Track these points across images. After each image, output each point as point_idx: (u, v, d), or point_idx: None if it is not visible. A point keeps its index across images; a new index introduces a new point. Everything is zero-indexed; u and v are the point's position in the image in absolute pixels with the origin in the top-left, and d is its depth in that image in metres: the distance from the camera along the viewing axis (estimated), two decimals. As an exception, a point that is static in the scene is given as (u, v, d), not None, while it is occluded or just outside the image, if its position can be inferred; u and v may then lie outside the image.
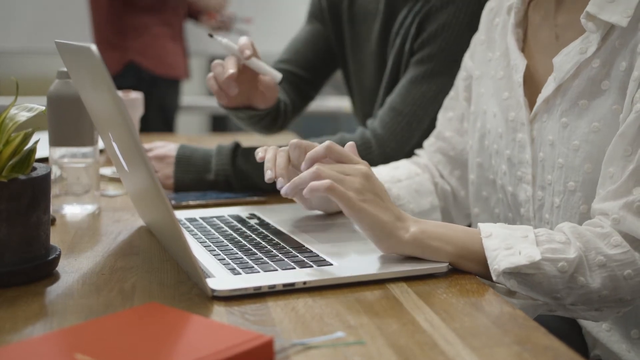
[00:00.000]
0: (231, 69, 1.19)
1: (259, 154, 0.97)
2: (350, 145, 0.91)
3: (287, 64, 1.54)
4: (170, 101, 2.94)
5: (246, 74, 1.25)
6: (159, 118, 2.90)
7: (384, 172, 1.17)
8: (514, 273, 0.81)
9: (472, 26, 1.21)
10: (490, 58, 1.11)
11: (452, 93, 1.21)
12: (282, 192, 0.86)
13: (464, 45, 1.21)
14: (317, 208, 1.06)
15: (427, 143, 1.23)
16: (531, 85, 1.02)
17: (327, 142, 0.88)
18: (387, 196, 0.86)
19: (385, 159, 1.28)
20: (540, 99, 0.98)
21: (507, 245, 0.82)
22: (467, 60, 1.18)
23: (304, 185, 0.84)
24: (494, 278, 0.82)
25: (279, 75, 1.25)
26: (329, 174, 0.83)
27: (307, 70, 1.54)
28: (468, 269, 0.85)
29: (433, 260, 0.85)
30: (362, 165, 0.86)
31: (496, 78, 1.08)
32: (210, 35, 1.24)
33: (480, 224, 0.86)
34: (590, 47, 0.92)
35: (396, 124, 1.30)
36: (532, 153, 1.00)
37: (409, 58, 1.34)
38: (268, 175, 0.92)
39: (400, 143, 1.30)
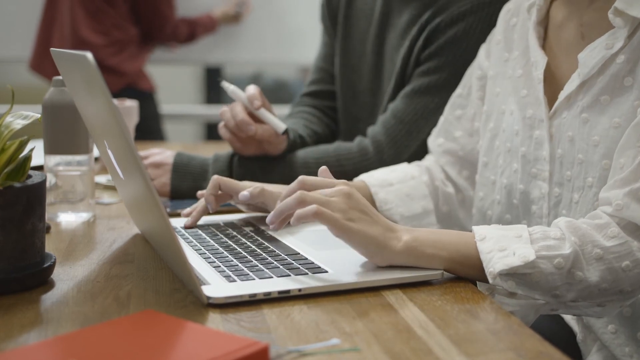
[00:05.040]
0: (240, 114, 1.22)
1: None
2: (323, 170, 0.91)
3: (316, 85, 1.56)
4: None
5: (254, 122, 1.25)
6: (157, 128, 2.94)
7: (376, 175, 1.17)
8: (511, 274, 0.81)
9: (480, 43, 1.21)
10: (507, 58, 1.11)
11: (459, 90, 1.21)
12: (268, 220, 0.86)
13: (471, 61, 1.22)
14: (254, 210, 1.10)
15: (435, 143, 1.22)
16: (552, 82, 1.03)
17: (299, 177, 0.88)
18: (373, 209, 0.86)
19: (382, 166, 1.28)
20: (563, 95, 0.98)
21: (501, 247, 0.82)
22: (483, 60, 1.17)
23: (288, 211, 0.84)
24: (490, 281, 0.82)
25: (282, 127, 1.26)
26: (314, 197, 0.84)
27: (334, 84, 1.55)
28: (464, 275, 0.85)
29: (428, 268, 0.85)
30: (342, 185, 0.87)
31: (514, 77, 1.08)
32: (219, 81, 1.27)
33: (474, 227, 0.87)
34: (617, 43, 0.93)
35: (397, 131, 1.31)
36: (550, 150, 1.00)
37: (414, 67, 1.33)
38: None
39: (398, 151, 1.30)
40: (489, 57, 1.16)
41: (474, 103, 1.18)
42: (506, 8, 1.16)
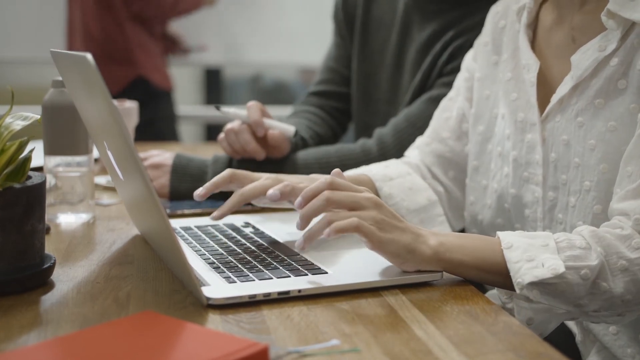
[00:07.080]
0: (251, 143, 1.23)
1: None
2: (336, 171, 0.89)
3: (325, 85, 1.57)
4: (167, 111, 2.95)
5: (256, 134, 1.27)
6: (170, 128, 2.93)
7: (374, 170, 1.16)
8: (536, 283, 0.81)
9: None
10: (496, 61, 1.11)
11: (451, 94, 1.21)
12: (299, 226, 0.83)
13: None
14: (266, 204, 1.06)
15: (421, 142, 1.22)
16: (543, 85, 1.02)
17: (327, 178, 0.85)
18: (398, 215, 0.85)
19: None
20: (555, 98, 0.98)
21: (529, 257, 0.81)
22: (470, 62, 1.18)
23: (316, 214, 0.82)
24: (518, 291, 0.81)
25: (291, 130, 1.29)
26: (341, 199, 0.82)
27: (346, 85, 1.57)
28: (488, 282, 0.85)
29: (453, 274, 0.84)
30: (369, 193, 0.85)
31: (504, 80, 1.08)
32: (217, 108, 1.27)
33: (499, 233, 0.86)
34: (610, 45, 0.93)
35: (406, 134, 1.32)
36: (543, 153, 1.00)
37: (436, 79, 1.36)
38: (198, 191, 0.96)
39: (403, 153, 1.30)
40: (476, 59, 1.16)
41: (462, 105, 1.18)
42: (494, 10, 1.16)
